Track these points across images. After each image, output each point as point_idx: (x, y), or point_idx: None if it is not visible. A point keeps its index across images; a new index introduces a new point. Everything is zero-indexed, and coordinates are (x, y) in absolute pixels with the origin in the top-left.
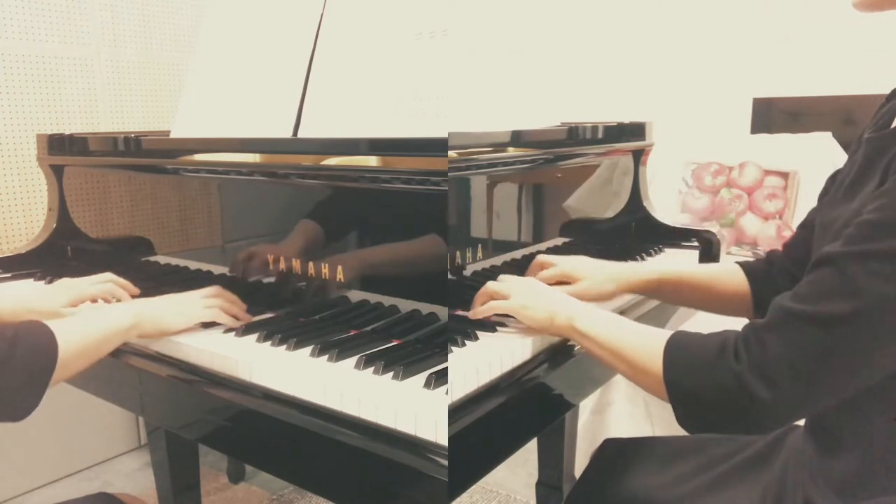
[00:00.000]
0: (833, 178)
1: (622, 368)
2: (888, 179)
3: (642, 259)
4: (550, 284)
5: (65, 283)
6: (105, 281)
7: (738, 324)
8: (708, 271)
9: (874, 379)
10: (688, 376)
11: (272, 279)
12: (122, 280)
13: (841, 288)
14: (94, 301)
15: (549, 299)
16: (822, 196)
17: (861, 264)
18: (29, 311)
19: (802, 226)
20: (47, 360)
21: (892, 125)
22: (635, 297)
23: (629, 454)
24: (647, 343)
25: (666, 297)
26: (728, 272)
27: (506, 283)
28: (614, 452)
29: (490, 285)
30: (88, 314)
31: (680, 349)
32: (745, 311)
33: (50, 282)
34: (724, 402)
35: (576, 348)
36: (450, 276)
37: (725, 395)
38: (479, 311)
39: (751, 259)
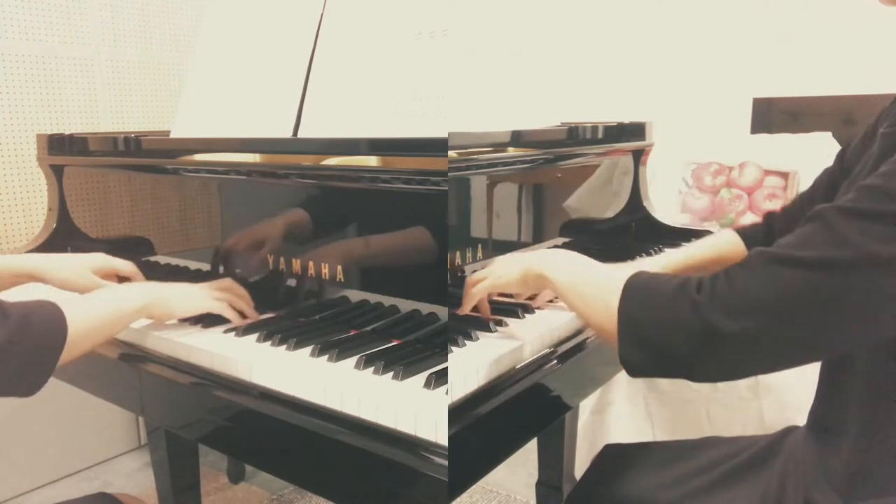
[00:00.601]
0: (841, 157)
1: (580, 307)
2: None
3: (642, 259)
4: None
5: (94, 254)
6: (131, 268)
7: None
8: (711, 245)
9: (841, 347)
10: (642, 306)
11: (272, 279)
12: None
13: (827, 238)
14: (116, 277)
15: (521, 260)
16: (829, 172)
17: (851, 220)
18: (55, 269)
19: (803, 195)
20: (57, 339)
21: None
22: None
23: (629, 458)
24: (609, 280)
25: None
26: (729, 241)
27: (479, 271)
28: (614, 456)
29: (470, 276)
30: (101, 293)
31: (640, 282)
32: None
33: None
34: (677, 334)
35: (580, 342)
36: (450, 277)
37: (680, 326)
38: (464, 305)
39: (746, 225)
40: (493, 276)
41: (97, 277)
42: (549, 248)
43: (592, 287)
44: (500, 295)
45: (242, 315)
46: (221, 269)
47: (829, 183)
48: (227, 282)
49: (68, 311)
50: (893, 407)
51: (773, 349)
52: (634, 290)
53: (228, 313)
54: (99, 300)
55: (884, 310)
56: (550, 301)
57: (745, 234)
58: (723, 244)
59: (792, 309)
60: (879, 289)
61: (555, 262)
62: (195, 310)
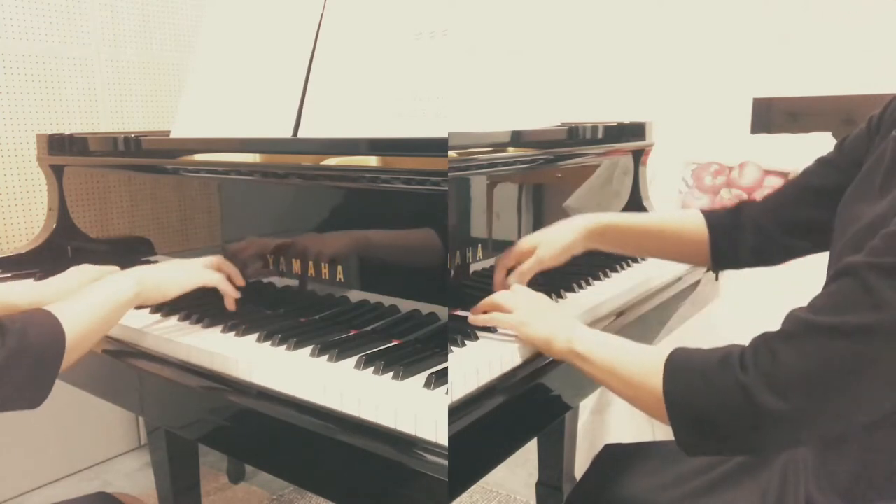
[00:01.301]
0: (840, 146)
1: (620, 388)
2: None
3: (642, 259)
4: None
5: (78, 267)
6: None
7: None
8: (669, 218)
9: (889, 406)
10: (688, 390)
11: (272, 279)
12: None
13: (864, 300)
14: None
15: (550, 319)
16: (828, 163)
17: (885, 278)
18: (49, 298)
19: (791, 183)
20: (56, 350)
21: None
22: (634, 297)
23: (629, 458)
24: (645, 359)
25: (627, 244)
26: (689, 219)
27: (513, 296)
28: (614, 456)
29: (497, 297)
30: (92, 291)
31: (681, 362)
32: (703, 259)
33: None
34: (727, 416)
35: None
36: (450, 277)
37: (730, 410)
38: (479, 318)
39: (715, 208)
40: (519, 318)
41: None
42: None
43: (631, 367)
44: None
45: (234, 291)
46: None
47: (826, 174)
48: (218, 258)
49: (64, 318)
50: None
51: (821, 421)
52: (677, 372)
53: (223, 286)
54: (92, 299)
55: None
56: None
57: (712, 218)
58: (678, 220)
59: (836, 379)
60: None
61: (585, 338)
62: (189, 286)
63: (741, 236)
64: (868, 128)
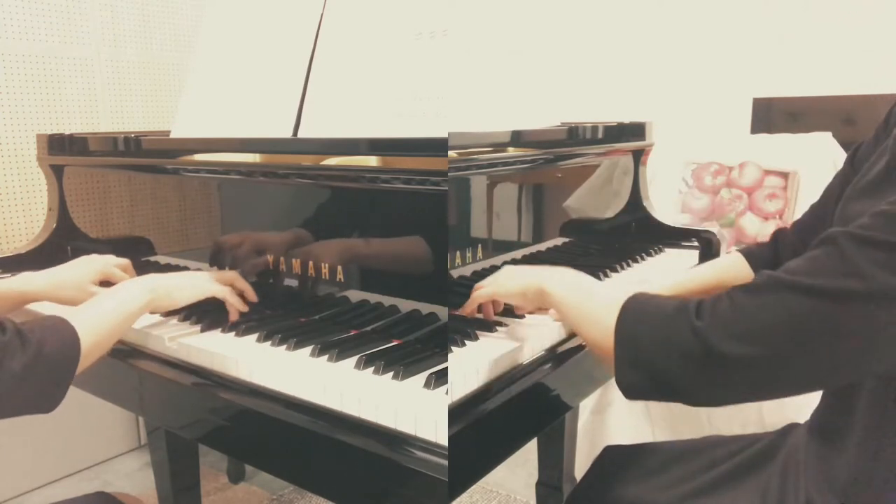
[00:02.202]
0: (852, 158)
1: (578, 324)
2: None
3: (642, 259)
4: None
5: (89, 258)
6: (126, 267)
7: None
8: (715, 271)
9: (850, 377)
10: (638, 329)
11: (273, 279)
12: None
13: (838, 266)
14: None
15: (523, 273)
16: (840, 177)
17: (864, 249)
18: (58, 289)
19: (815, 204)
20: (72, 357)
21: None
22: None
23: (629, 459)
24: (608, 300)
25: None
26: (732, 265)
27: (488, 277)
28: (614, 457)
29: (476, 285)
30: (104, 299)
31: (637, 304)
32: None
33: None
34: (675, 359)
35: (575, 345)
36: (450, 277)
37: (679, 351)
38: (465, 307)
39: (752, 245)
40: (496, 283)
41: (98, 289)
42: (548, 248)
43: (591, 305)
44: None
45: (244, 303)
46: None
47: (841, 190)
48: (233, 274)
49: (79, 326)
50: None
51: (775, 376)
52: (632, 310)
53: (232, 299)
54: (105, 307)
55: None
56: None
57: (752, 255)
58: (727, 267)
59: (799, 337)
60: (892, 321)
61: (556, 278)
62: (198, 295)
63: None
64: (875, 135)
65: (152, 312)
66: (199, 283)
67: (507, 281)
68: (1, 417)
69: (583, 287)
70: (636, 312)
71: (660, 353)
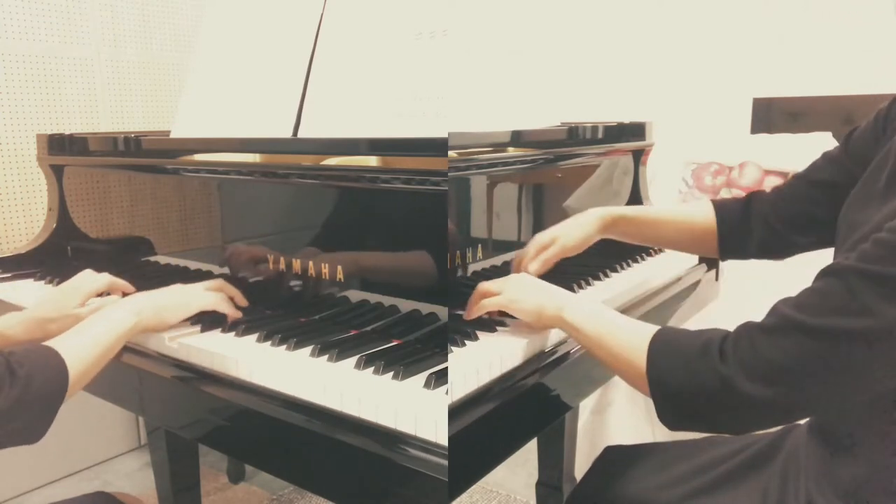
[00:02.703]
0: (846, 145)
1: (608, 361)
2: None
3: (642, 259)
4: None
5: (68, 285)
6: (110, 283)
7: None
8: (680, 209)
9: (867, 397)
10: (669, 373)
11: (272, 279)
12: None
13: (848, 304)
14: (100, 295)
15: (539, 291)
16: (832, 159)
17: (871, 285)
18: (43, 324)
19: (798, 177)
20: (59, 390)
21: None
22: (635, 297)
23: (629, 459)
24: (632, 337)
25: (638, 234)
26: (698, 209)
27: (497, 280)
28: (615, 457)
29: (482, 285)
30: (91, 325)
31: (664, 345)
32: (711, 249)
33: (50, 282)
34: (705, 400)
35: (574, 349)
36: (450, 277)
37: (707, 393)
38: (472, 311)
39: (726, 199)
40: (507, 297)
41: (86, 310)
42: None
43: (617, 341)
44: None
45: (236, 309)
46: (224, 270)
47: (832, 170)
48: (219, 281)
49: (67, 357)
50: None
51: (796, 408)
52: (659, 353)
53: (223, 307)
54: (91, 333)
55: None
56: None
57: (722, 209)
58: (688, 210)
59: (817, 377)
60: None
61: (575, 308)
62: (189, 311)
63: (748, 228)
64: (875, 124)
65: (142, 332)
66: (187, 300)
67: (522, 296)
68: None
69: (605, 318)
70: (663, 356)
71: (691, 396)
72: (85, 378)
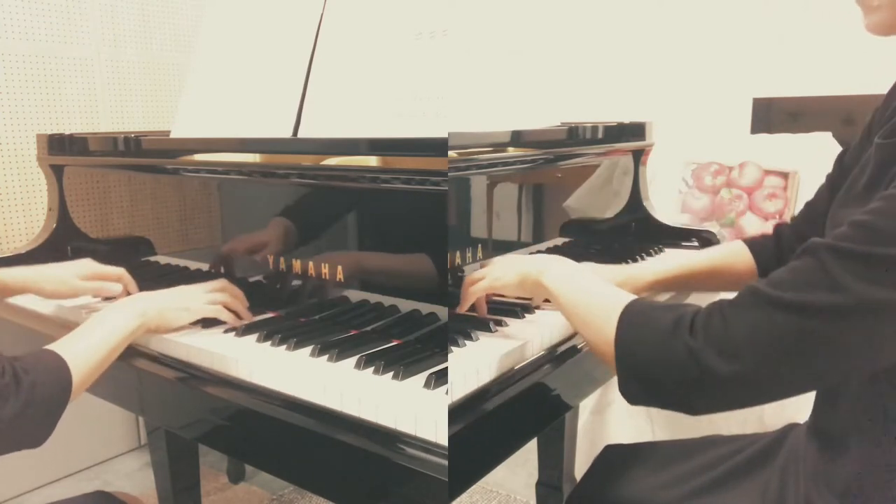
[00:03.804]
0: (840, 160)
1: (578, 326)
2: (890, 185)
3: (642, 259)
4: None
5: (82, 261)
6: (120, 276)
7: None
8: (717, 255)
9: (836, 381)
10: (638, 346)
11: (272, 279)
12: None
13: (821, 280)
14: (104, 279)
15: (520, 263)
16: (830, 179)
17: (845, 262)
18: (40, 283)
19: (808, 203)
20: (63, 396)
21: None
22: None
23: (629, 458)
24: (605, 303)
25: (679, 289)
26: (733, 252)
27: (482, 268)
28: (615, 457)
29: (468, 276)
30: (94, 326)
31: (636, 315)
32: None
33: None
34: (672, 374)
35: (578, 345)
36: (449, 277)
37: (674, 367)
38: (463, 304)
39: (756, 236)
40: (491, 276)
41: (85, 283)
42: (548, 248)
43: (590, 308)
44: (497, 294)
45: (238, 317)
46: (222, 270)
47: (830, 191)
48: (222, 282)
49: (70, 361)
50: (893, 418)
51: (768, 387)
52: (630, 324)
53: (224, 316)
54: (95, 336)
55: (881, 349)
56: (547, 301)
57: (756, 245)
58: (726, 254)
59: (786, 352)
60: (875, 332)
61: (554, 272)
62: (192, 317)
63: (784, 260)
64: (861, 139)
65: (145, 334)
66: (191, 306)
67: (503, 272)
68: None
69: (581, 284)
70: (634, 327)
71: (658, 368)
72: (88, 381)
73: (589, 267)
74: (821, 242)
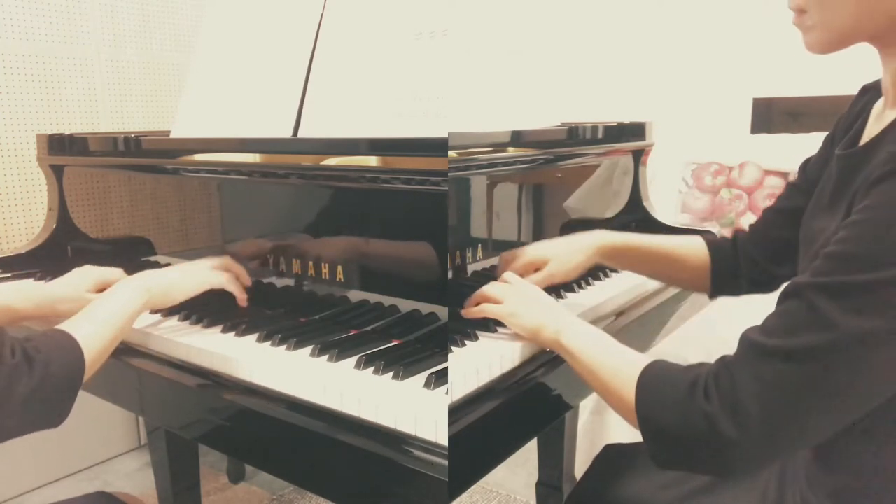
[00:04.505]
0: (804, 169)
1: (599, 390)
2: (853, 210)
3: None
4: (523, 275)
5: (82, 269)
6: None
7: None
8: (672, 243)
9: (851, 418)
10: (659, 413)
11: (273, 279)
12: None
13: (810, 321)
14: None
15: (539, 309)
16: (794, 186)
17: (830, 299)
18: (54, 304)
19: (768, 209)
20: (77, 372)
21: (861, 142)
22: (634, 297)
23: (629, 457)
24: (623, 370)
25: (633, 265)
26: (692, 246)
27: (502, 287)
28: (614, 456)
29: (486, 288)
30: (102, 306)
31: (652, 380)
32: (703, 286)
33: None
34: (695, 443)
35: None
36: (450, 277)
37: (696, 436)
38: (470, 311)
39: (716, 237)
40: (507, 309)
41: (95, 296)
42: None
43: (610, 373)
44: None
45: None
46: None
47: (795, 196)
48: (226, 259)
49: (81, 339)
50: (890, 426)
51: (788, 440)
52: (649, 390)
53: (232, 286)
54: (103, 314)
55: (888, 374)
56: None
57: (713, 244)
58: (682, 246)
59: (796, 404)
60: (876, 359)
61: (573, 332)
62: (196, 290)
63: (737, 266)
64: (824, 146)
65: (151, 312)
66: (196, 276)
67: (522, 311)
68: (12, 437)
69: (600, 346)
70: (652, 393)
71: (682, 439)
72: (100, 359)
73: (561, 241)
74: (802, 282)
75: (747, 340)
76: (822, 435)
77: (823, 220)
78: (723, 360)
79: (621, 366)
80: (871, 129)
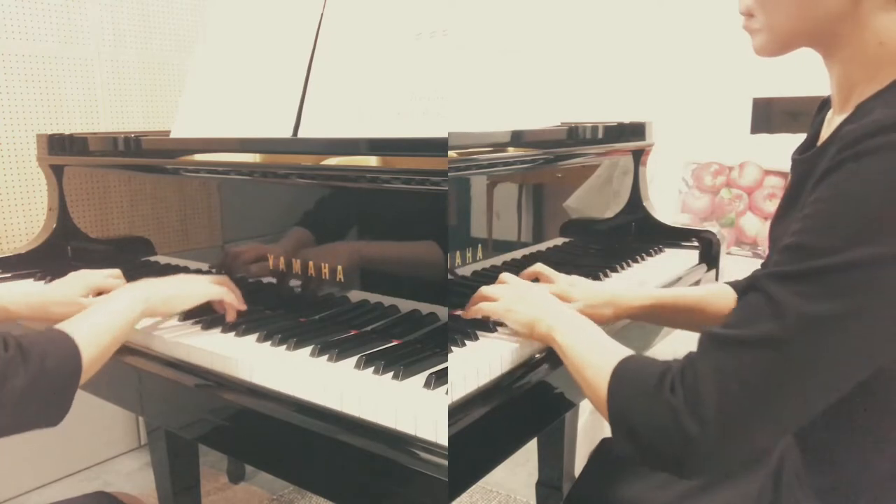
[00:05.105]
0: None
1: (581, 385)
2: (805, 204)
3: (642, 259)
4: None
5: (79, 273)
6: (117, 276)
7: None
8: (699, 293)
9: (816, 408)
10: (626, 404)
11: (272, 279)
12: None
13: (766, 309)
14: (105, 291)
15: (534, 305)
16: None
17: (783, 285)
18: (47, 306)
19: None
20: (74, 369)
21: (817, 144)
22: None
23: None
24: (602, 364)
25: (660, 320)
26: (719, 293)
27: (499, 286)
28: (612, 451)
29: (484, 288)
30: (101, 310)
31: (625, 374)
32: None
33: (50, 282)
34: (660, 437)
35: None
36: (449, 277)
37: (661, 429)
38: (469, 311)
39: (740, 280)
40: (504, 305)
41: (91, 300)
42: (548, 248)
43: (591, 368)
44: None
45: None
46: (223, 272)
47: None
48: (223, 278)
49: (79, 339)
50: (883, 429)
51: (750, 435)
52: (621, 384)
53: (229, 298)
54: (101, 319)
55: (844, 364)
56: None
57: (738, 287)
58: (709, 294)
59: (755, 394)
60: (831, 344)
61: (566, 328)
62: (196, 300)
63: None
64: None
65: (150, 318)
66: (194, 288)
67: (517, 308)
68: (9, 434)
69: (587, 343)
70: (623, 388)
71: (648, 434)
72: (98, 362)
73: (576, 280)
74: (761, 274)
75: (708, 333)
76: (784, 428)
77: (784, 223)
78: (687, 355)
79: (601, 360)
80: (824, 135)
